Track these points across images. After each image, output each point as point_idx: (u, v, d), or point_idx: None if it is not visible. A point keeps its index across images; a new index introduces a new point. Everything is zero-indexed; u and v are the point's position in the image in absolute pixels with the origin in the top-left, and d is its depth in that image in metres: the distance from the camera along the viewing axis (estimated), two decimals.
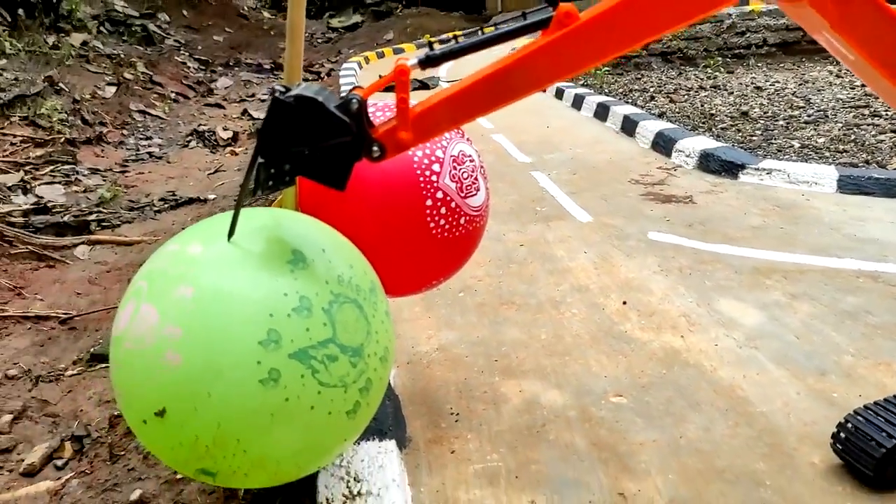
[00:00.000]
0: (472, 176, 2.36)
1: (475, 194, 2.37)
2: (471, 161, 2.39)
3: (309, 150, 1.60)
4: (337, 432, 1.68)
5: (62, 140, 8.04)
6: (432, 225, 2.24)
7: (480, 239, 2.56)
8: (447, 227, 2.28)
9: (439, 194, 2.24)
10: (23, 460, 2.95)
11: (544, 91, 10.95)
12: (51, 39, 11.19)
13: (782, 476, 2.28)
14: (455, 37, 1.67)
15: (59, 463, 2.94)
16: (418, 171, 2.22)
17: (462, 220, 2.32)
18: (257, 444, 1.54)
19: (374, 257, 1.98)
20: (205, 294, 1.54)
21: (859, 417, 2.24)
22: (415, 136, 1.67)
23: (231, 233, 1.62)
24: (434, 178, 2.24)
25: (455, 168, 2.30)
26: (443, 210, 2.25)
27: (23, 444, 3.12)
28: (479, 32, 1.66)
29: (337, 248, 1.79)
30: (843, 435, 2.25)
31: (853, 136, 6.41)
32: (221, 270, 1.58)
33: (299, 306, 1.54)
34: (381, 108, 2.22)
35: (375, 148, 1.65)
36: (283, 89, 1.58)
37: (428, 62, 1.64)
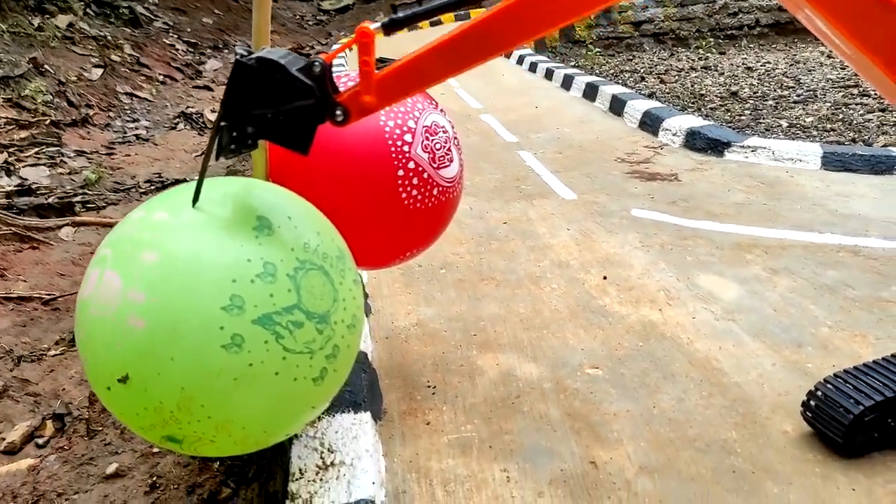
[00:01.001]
0: (445, 147, 2.34)
1: (448, 165, 2.35)
2: (444, 132, 2.37)
3: (272, 114, 1.60)
4: (304, 398, 1.67)
5: (47, 122, 7.96)
6: (404, 195, 2.23)
7: (454, 211, 2.54)
8: (420, 197, 2.26)
9: (411, 164, 2.22)
10: (3, 439, 2.94)
11: (518, 61, 10.89)
12: (35, 21, 11.05)
13: (753, 444, 2.30)
14: (419, 0, 1.65)
15: (41, 441, 2.94)
16: (390, 142, 2.20)
17: (435, 192, 2.31)
18: (221, 409, 1.54)
19: (346, 228, 1.97)
20: (168, 259, 1.53)
21: (829, 385, 2.25)
22: (379, 99, 1.66)
23: (196, 199, 1.61)
24: (406, 148, 2.22)
25: (428, 139, 2.28)
26: (415, 181, 2.24)
27: (4, 423, 3.12)
28: None
29: (304, 215, 1.78)
30: (812, 403, 2.27)
31: (841, 116, 6.40)
32: (186, 236, 1.58)
33: (263, 272, 1.54)
34: (353, 78, 2.20)
35: (339, 112, 1.65)
36: (245, 52, 1.58)
37: (392, 25, 1.63)
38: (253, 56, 1.56)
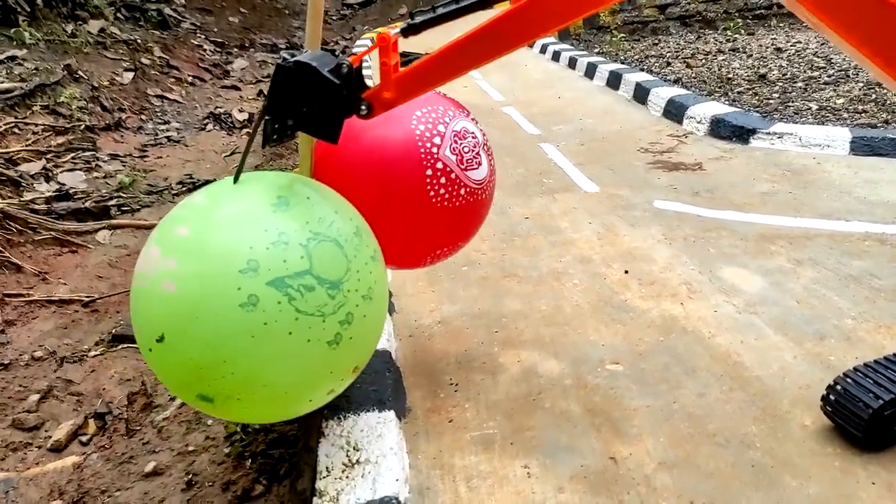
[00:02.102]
0: (473, 150, 2.47)
1: (476, 168, 2.47)
2: (473, 137, 2.50)
3: (307, 108, 1.84)
4: (320, 362, 1.81)
5: (82, 127, 8.20)
6: (432, 193, 2.36)
7: (485, 213, 2.67)
8: (447, 195, 2.39)
9: (439, 164, 2.35)
10: (50, 437, 3.10)
11: (530, 46, 10.83)
12: (69, 28, 11.35)
13: (773, 438, 2.32)
14: (433, 7, 1.88)
15: (84, 439, 3.09)
16: (419, 143, 2.34)
17: (462, 191, 2.42)
18: (243, 364, 1.71)
19: (380, 224, 2.17)
20: (197, 231, 1.76)
21: (848, 379, 2.26)
22: (397, 94, 1.89)
23: (236, 178, 1.87)
24: (435, 150, 2.36)
25: (456, 142, 2.42)
26: (442, 179, 2.36)
27: (50, 421, 3.28)
28: (455, 2, 1.85)
29: (325, 198, 1.96)
30: (832, 397, 2.28)
31: (874, 96, 6.26)
32: (214, 213, 1.81)
33: (277, 241, 1.72)
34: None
35: (363, 107, 1.91)
36: (288, 56, 1.83)
37: (409, 30, 1.87)
38: (291, 60, 1.80)
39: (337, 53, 1.92)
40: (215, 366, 1.69)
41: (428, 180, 2.34)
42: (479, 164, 2.48)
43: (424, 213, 2.38)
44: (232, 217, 1.78)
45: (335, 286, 1.77)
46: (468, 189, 2.43)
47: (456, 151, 2.40)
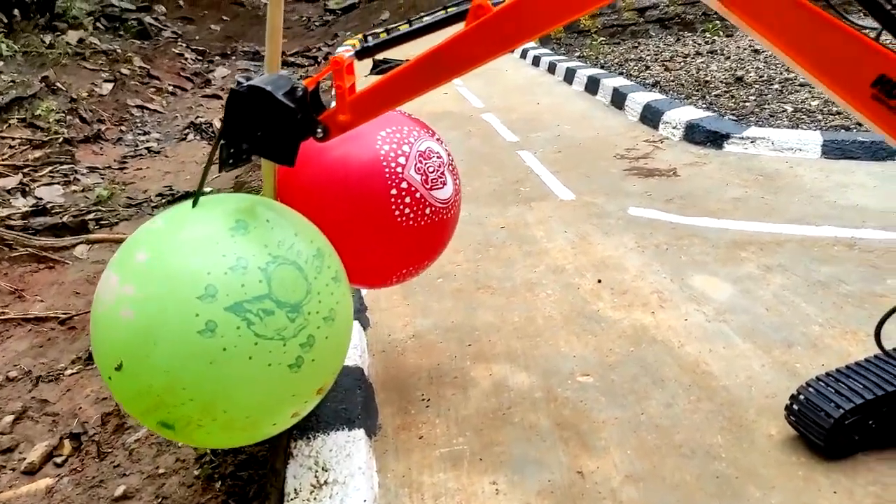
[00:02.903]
0: (438, 170, 2.48)
1: (441, 188, 2.49)
2: (438, 157, 2.52)
3: (262, 132, 1.84)
4: (282, 386, 1.81)
5: (60, 140, 8.15)
6: (397, 213, 2.37)
7: (451, 232, 2.67)
8: (412, 215, 2.40)
9: (404, 184, 2.37)
10: (24, 459, 3.08)
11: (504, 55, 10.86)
12: (47, 39, 11.27)
13: (738, 448, 2.35)
14: (387, 29, 1.91)
15: (59, 460, 3.07)
16: (384, 163, 2.36)
17: (428, 211, 2.44)
18: (202, 391, 1.71)
19: (345, 243, 2.18)
20: (156, 257, 1.76)
21: (810, 389, 2.29)
22: (353, 117, 1.90)
23: (195, 202, 1.87)
24: (399, 169, 2.37)
25: (421, 162, 2.43)
26: (407, 199, 2.38)
27: (24, 443, 3.25)
28: (408, 24, 1.89)
29: (285, 220, 1.96)
30: (795, 406, 2.31)
31: None
32: (172, 238, 1.82)
33: (236, 265, 1.72)
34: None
35: (319, 129, 1.92)
36: (243, 80, 1.83)
37: (363, 53, 1.89)
38: (245, 84, 1.80)
39: (292, 76, 1.93)
40: (174, 393, 1.69)
41: (393, 200, 2.35)
42: (444, 183, 2.49)
43: (390, 233, 2.39)
44: (190, 242, 1.79)
45: (295, 309, 1.78)
46: (433, 209, 2.44)
47: (421, 171, 2.41)
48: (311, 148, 2.00)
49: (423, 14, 1.85)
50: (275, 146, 1.87)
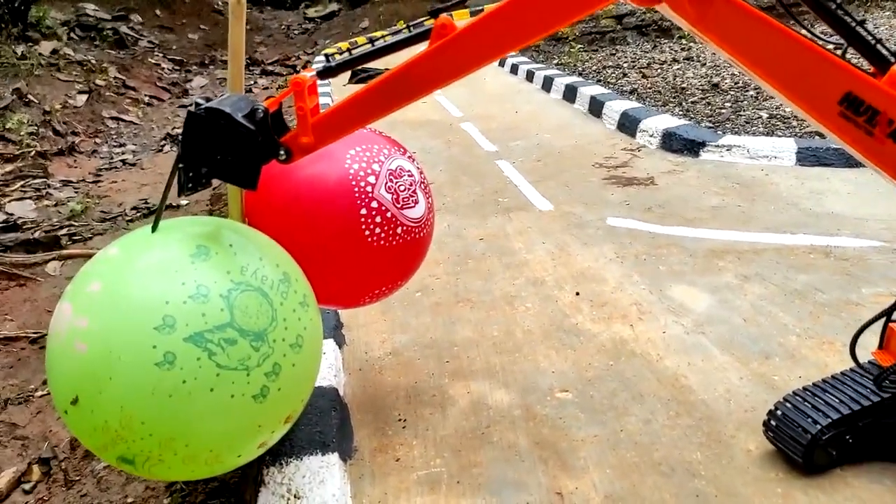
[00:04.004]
0: (409, 189, 2.44)
1: (413, 206, 2.45)
2: (409, 176, 2.48)
3: (221, 155, 1.79)
4: (247, 417, 1.75)
5: (32, 153, 8.01)
6: (367, 232, 2.32)
7: (424, 252, 2.62)
8: (383, 235, 2.35)
9: (374, 203, 2.32)
10: None
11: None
12: (19, 50, 11.09)
13: (717, 465, 2.33)
14: (349, 49, 1.87)
15: (27, 487, 2.98)
16: (353, 183, 2.31)
17: (399, 230, 2.39)
18: (161, 426, 1.65)
19: (314, 263, 2.15)
20: (109, 286, 1.69)
21: (787, 404, 2.28)
22: (316, 139, 1.85)
23: (155, 226, 1.81)
24: (369, 188, 2.32)
25: (391, 181, 2.39)
26: (378, 219, 2.33)
27: None
28: (371, 44, 1.83)
29: (249, 243, 1.90)
30: (773, 422, 2.30)
31: None
32: (128, 266, 1.75)
33: (196, 293, 1.66)
34: None
35: (282, 152, 1.87)
36: (202, 101, 1.78)
37: (325, 73, 1.85)
38: (203, 106, 1.75)
39: (253, 97, 1.89)
40: (132, 428, 1.63)
41: (363, 220, 2.30)
42: (416, 202, 2.45)
43: (360, 253, 2.34)
44: (147, 270, 1.72)
45: (259, 337, 1.72)
46: (405, 228, 2.40)
47: (391, 190, 2.37)
48: (279, 167, 1.96)
49: (386, 32, 1.83)
50: (235, 170, 1.82)
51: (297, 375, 1.85)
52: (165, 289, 1.66)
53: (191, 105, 1.80)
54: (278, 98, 1.89)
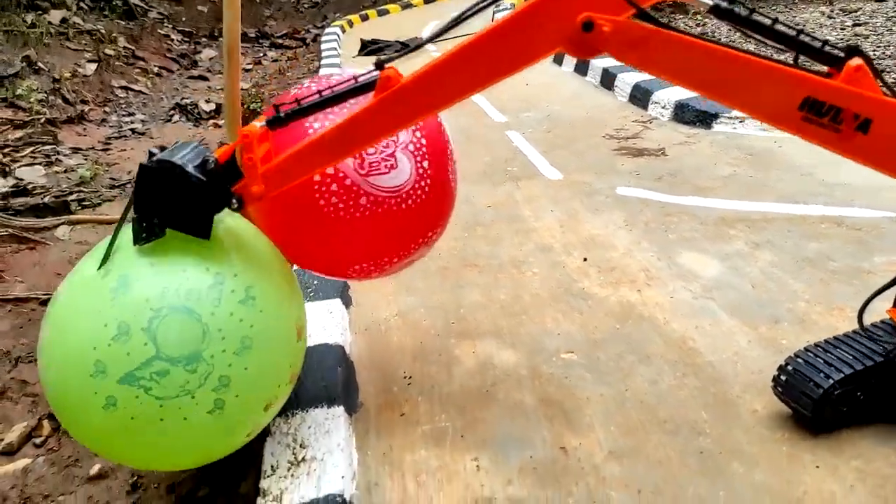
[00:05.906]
0: (382, 152, 2.09)
1: (386, 172, 2.09)
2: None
3: (174, 206, 1.81)
4: (210, 430, 1.79)
5: (42, 120, 8.00)
6: (322, 202, 2.06)
7: (414, 226, 2.25)
8: (341, 205, 2.07)
9: (329, 169, 2.03)
10: (2, 440, 3.02)
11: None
12: (29, 18, 11.04)
13: (722, 424, 2.32)
14: (298, 100, 1.81)
15: (38, 441, 3.02)
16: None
17: (363, 200, 2.07)
18: (131, 455, 1.84)
19: (280, 233, 2.13)
20: (54, 334, 1.78)
21: (799, 360, 2.26)
22: (267, 188, 1.86)
23: (101, 264, 1.82)
24: None
25: None
26: (333, 187, 2.05)
27: (3, 424, 3.20)
28: (318, 95, 1.80)
29: (175, 255, 1.84)
30: (783, 378, 2.28)
31: None
32: (67, 310, 1.80)
33: (118, 333, 1.67)
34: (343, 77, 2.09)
35: (233, 201, 1.88)
36: (156, 151, 1.82)
37: (274, 123, 1.82)
38: (154, 158, 1.80)
39: (204, 147, 1.87)
40: (112, 456, 1.86)
41: (315, 186, 2.04)
42: (392, 167, 2.09)
43: (321, 225, 2.09)
44: (78, 314, 1.76)
45: (192, 359, 1.70)
46: (372, 198, 2.07)
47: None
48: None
49: (334, 83, 1.79)
50: (187, 219, 1.83)
51: (253, 375, 1.81)
52: (92, 334, 1.69)
53: (146, 154, 1.83)
54: (230, 147, 1.89)
